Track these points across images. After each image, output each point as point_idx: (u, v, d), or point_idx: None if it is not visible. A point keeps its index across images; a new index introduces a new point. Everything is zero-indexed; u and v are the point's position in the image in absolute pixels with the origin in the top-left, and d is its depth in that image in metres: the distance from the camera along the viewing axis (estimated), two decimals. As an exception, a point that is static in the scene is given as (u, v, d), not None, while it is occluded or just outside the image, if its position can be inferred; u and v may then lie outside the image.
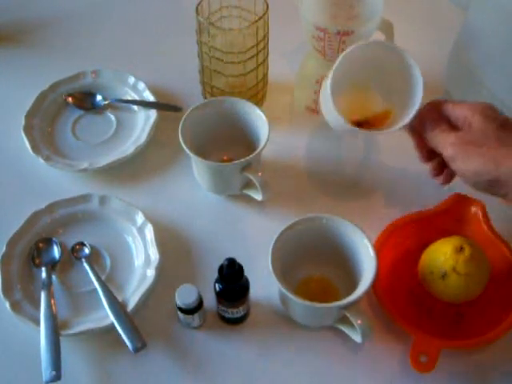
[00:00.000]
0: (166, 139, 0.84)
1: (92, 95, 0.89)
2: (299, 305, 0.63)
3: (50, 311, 0.67)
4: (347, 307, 0.62)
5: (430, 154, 0.68)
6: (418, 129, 0.68)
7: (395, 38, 0.82)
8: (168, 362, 0.66)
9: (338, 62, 0.69)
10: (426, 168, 0.69)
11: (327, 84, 0.69)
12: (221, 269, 0.62)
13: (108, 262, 0.73)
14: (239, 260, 0.63)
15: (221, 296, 0.65)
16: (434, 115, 0.66)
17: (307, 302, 0.61)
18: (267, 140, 0.73)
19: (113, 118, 0.88)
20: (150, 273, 0.70)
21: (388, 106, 0.74)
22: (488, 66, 0.78)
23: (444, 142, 0.63)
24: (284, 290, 0.62)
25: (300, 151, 0.85)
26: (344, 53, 0.69)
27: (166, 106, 0.87)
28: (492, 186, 0.60)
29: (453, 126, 0.64)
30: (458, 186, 0.67)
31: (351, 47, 0.69)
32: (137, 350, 0.64)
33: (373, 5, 0.80)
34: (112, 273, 0.72)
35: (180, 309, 0.65)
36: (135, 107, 0.88)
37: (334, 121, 0.72)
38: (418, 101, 0.68)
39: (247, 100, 0.78)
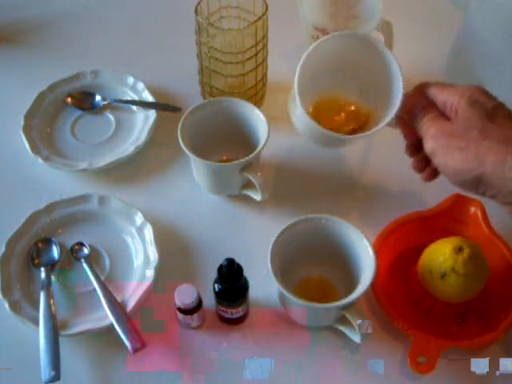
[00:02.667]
0: (165, 139, 0.84)
1: (91, 95, 0.89)
2: (298, 305, 0.63)
3: (49, 311, 0.67)
4: (346, 307, 0.62)
5: (418, 146, 0.62)
6: (405, 118, 0.62)
7: (394, 38, 0.82)
8: (167, 363, 0.66)
9: (303, 59, 0.65)
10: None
11: (294, 84, 0.66)
12: (220, 269, 0.62)
13: (107, 262, 0.73)
14: (238, 260, 0.63)
15: (220, 296, 0.64)
16: (422, 101, 0.60)
17: (306, 303, 0.61)
18: (266, 140, 0.73)
19: (112, 118, 0.88)
20: (149, 273, 0.70)
21: (367, 107, 0.73)
22: (487, 66, 0.78)
23: (426, 134, 0.58)
24: (283, 291, 0.62)
25: (299, 151, 0.85)
26: (308, 50, 0.65)
27: (165, 107, 0.86)
28: (477, 186, 0.55)
29: (442, 113, 0.59)
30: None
31: (313, 44, 0.65)
32: (136, 350, 0.64)
33: (372, 5, 0.81)
34: (111, 273, 0.72)
35: (179, 309, 0.65)
36: (134, 107, 0.88)
37: (304, 126, 0.70)
38: (398, 96, 0.63)
39: (246, 100, 0.78)
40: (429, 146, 0.57)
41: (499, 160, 0.52)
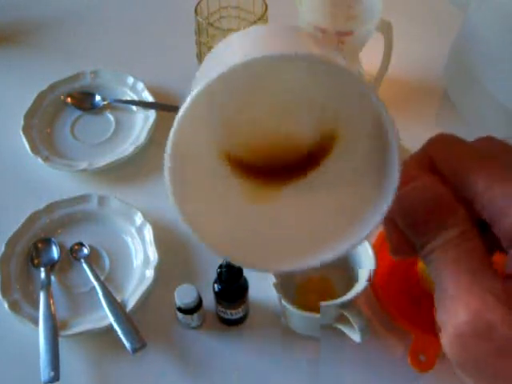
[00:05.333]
0: (164, 139, 0.83)
1: (91, 95, 0.89)
2: (297, 315, 0.62)
3: (48, 311, 0.67)
4: (346, 306, 0.62)
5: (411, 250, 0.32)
6: (397, 219, 0.32)
7: (394, 39, 0.82)
8: (167, 363, 0.66)
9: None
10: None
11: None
12: (220, 269, 0.62)
13: (107, 262, 0.73)
14: (238, 260, 0.63)
15: (220, 297, 0.64)
16: (438, 194, 0.30)
17: (304, 312, 0.61)
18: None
19: (112, 118, 0.88)
20: (149, 273, 0.70)
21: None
22: (487, 67, 0.78)
23: (440, 319, 0.31)
24: (283, 302, 0.61)
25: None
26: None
27: (164, 107, 0.86)
28: None
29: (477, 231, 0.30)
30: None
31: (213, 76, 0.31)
32: (135, 350, 0.63)
33: (372, 5, 0.81)
34: (111, 273, 0.72)
35: (179, 309, 0.65)
36: (134, 107, 0.88)
37: None
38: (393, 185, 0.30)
39: (246, 100, 0.78)
40: (451, 352, 0.30)
41: None
